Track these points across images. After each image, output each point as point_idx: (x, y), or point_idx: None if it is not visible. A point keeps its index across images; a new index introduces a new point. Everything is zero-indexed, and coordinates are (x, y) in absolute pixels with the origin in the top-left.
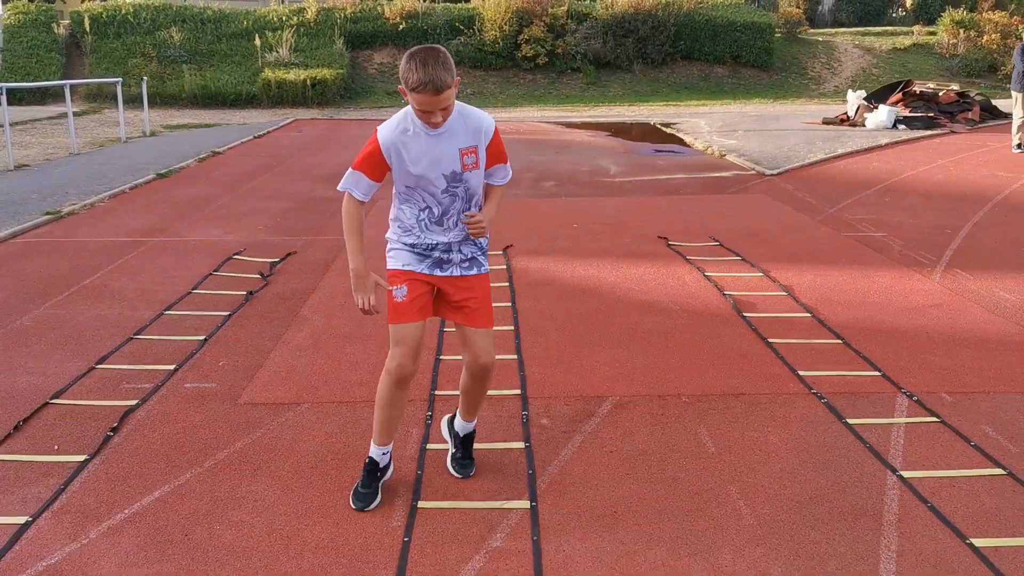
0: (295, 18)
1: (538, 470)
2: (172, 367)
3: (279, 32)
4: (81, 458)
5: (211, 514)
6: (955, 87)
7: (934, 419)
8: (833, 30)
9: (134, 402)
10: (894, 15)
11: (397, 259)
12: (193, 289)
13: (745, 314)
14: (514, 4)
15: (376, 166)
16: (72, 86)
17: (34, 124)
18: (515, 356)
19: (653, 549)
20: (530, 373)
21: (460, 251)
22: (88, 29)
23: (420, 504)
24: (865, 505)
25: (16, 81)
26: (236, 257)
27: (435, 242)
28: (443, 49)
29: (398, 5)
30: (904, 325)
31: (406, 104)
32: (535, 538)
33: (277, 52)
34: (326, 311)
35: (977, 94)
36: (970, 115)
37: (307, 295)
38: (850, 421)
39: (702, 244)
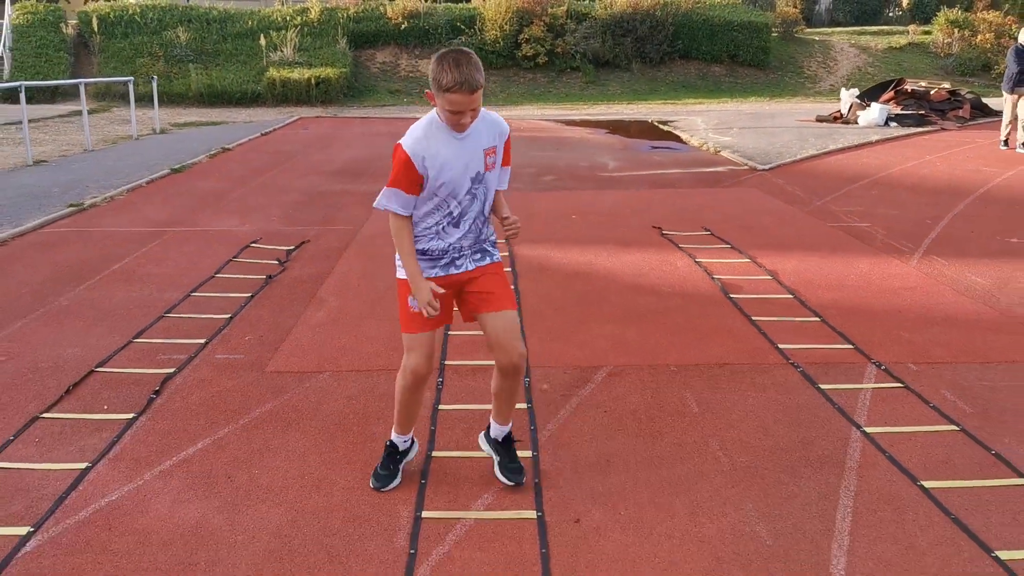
0: (299, 18)
1: (539, 426)
2: (203, 341)
3: (283, 32)
4: (130, 415)
5: (249, 461)
6: (946, 85)
7: (899, 385)
8: (830, 29)
9: (171, 370)
10: (891, 14)
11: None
12: (216, 273)
13: (731, 295)
14: (514, 4)
15: (411, 179)
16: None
17: (46, 122)
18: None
19: (640, 490)
20: (531, 346)
21: (472, 248)
22: (96, 29)
23: (434, 454)
24: (830, 455)
25: (25, 79)
26: (253, 245)
27: (447, 246)
28: (472, 51)
29: (400, 5)
30: (879, 305)
31: (411, 108)
32: (536, 480)
33: (281, 51)
34: (341, 293)
35: (968, 92)
36: (960, 113)
37: (323, 279)
38: (822, 386)
39: (694, 233)
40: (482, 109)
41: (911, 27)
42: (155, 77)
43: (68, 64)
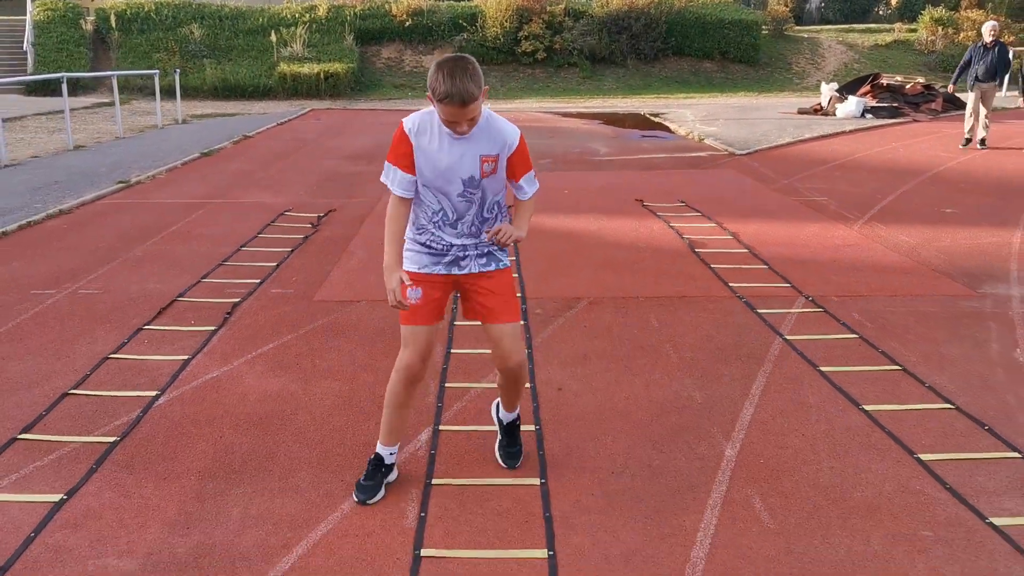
0: (307, 15)
1: (533, 335)
2: (258, 280)
3: (293, 28)
4: (212, 327)
5: (311, 354)
6: (921, 80)
7: (820, 310)
8: (819, 27)
9: (237, 299)
10: (880, 13)
11: (414, 261)
12: (259, 234)
13: (696, 250)
14: (514, 2)
15: (403, 153)
16: (101, 78)
17: (73, 113)
18: (517, 274)
19: (609, 373)
20: (527, 284)
21: (476, 248)
22: (114, 25)
23: (453, 351)
24: (755, 352)
25: (48, 73)
26: (287, 213)
27: (450, 243)
28: (472, 60)
29: (404, 3)
30: (819, 257)
31: (415, 102)
32: (531, 367)
33: (291, 47)
34: (369, 247)
35: (942, 87)
36: (933, 106)
37: (351, 238)
38: (759, 310)
39: (671, 205)
40: (496, 116)
41: (897, 25)
42: (178, 70)
43: (88, 59)
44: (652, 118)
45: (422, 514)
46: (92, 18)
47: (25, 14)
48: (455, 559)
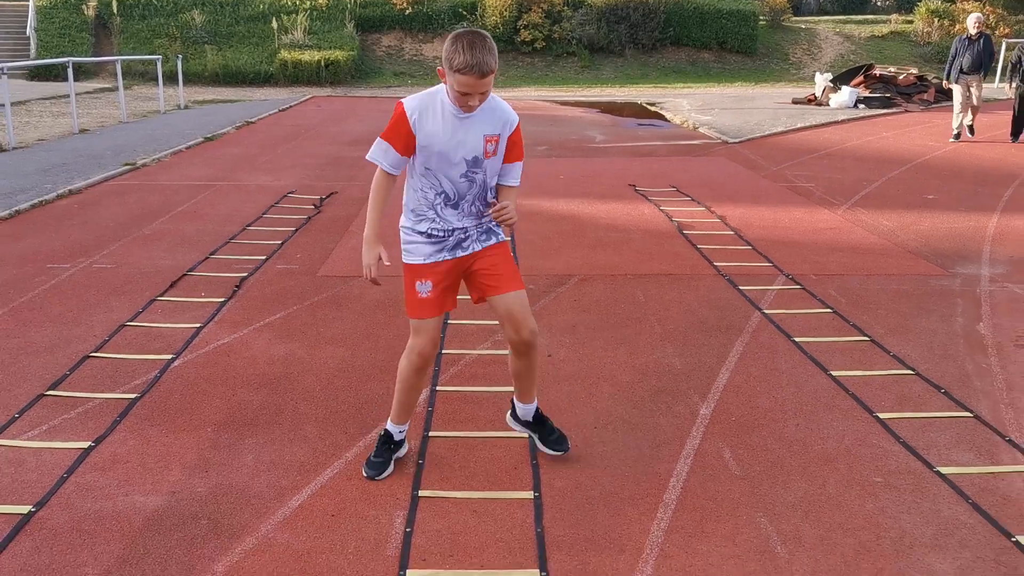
0: (308, 2)
1: None
2: (264, 257)
3: (293, 15)
4: (221, 299)
5: (315, 324)
6: (914, 71)
7: (798, 287)
8: (816, 18)
9: (245, 274)
10: (879, 3)
11: (418, 252)
12: (263, 214)
13: (684, 231)
14: None
15: (403, 136)
16: (103, 63)
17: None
18: (512, 254)
19: (596, 342)
20: (522, 262)
21: (477, 228)
22: (115, 11)
23: (450, 321)
24: (734, 324)
25: (51, 59)
26: (290, 195)
27: (451, 227)
28: (488, 34)
29: None
30: (801, 239)
31: (416, 89)
32: None
33: (292, 34)
34: None
35: (934, 77)
36: (925, 96)
37: (352, 219)
38: (740, 287)
39: (662, 189)
40: (495, 96)
41: (893, 16)
42: (180, 56)
43: (90, 44)
44: (648, 107)
45: (420, 462)
46: (94, 3)
47: None
48: (450, 499)
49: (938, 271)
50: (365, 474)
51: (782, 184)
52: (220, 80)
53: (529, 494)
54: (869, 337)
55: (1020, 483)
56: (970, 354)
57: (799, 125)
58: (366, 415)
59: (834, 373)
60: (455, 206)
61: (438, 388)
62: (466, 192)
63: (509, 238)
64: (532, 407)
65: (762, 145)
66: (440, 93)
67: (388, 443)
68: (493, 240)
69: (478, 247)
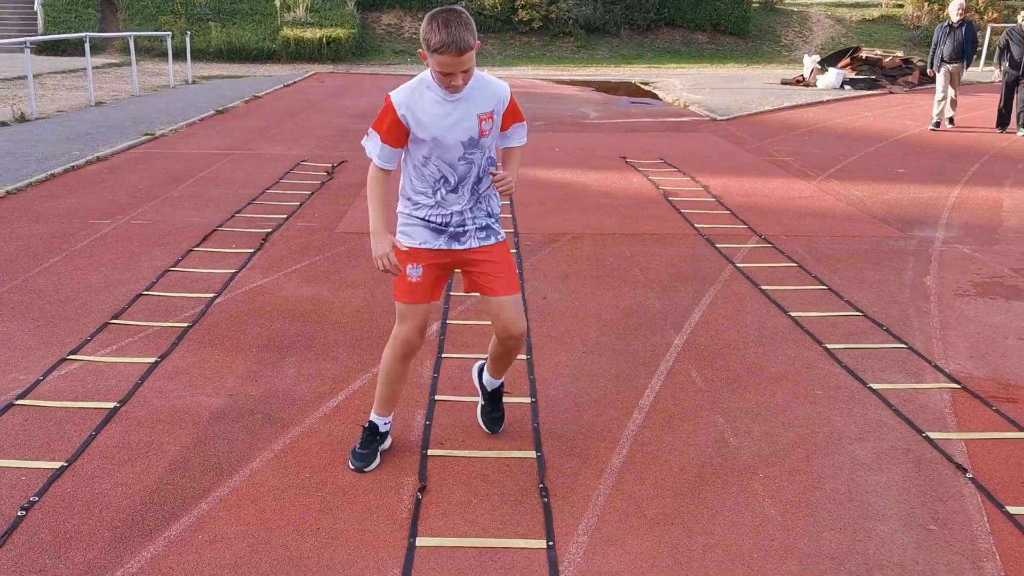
0: None
1: (524, 259)
2: (285, 216)
3: None
4: (250, 250)
5: (338, 271)
6: (900, 54)
7: (768, 245)
8: (809, 1)
9: (269, 230)
10: None
11: (414, 236)
12: (280, 179)
13: (669, 198)
14: None
15: (392, 129)
16: (110, 39)
17: (84, 73)
18: (510, 215)
19: (586, 287)
20: (520, 223)
21: (474, 221)
22: None
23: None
24: (708, 275)
25: (59, 33)
26: (303, 163)
27: (449, 213)
28: (464, 11)
29: None
30: (776, 206)
31: (415, 67)
32: (521, 282)
33: (294, 12)
34: None
35: (919, 60)
36: (910, 78)
37: (362, 185)
38: (717, 244)
39: (651, 161)
40: (482, 73)
41: (884, 0)
42: (188, 32)
43: (96, 20)
44: (642, 86)
45: (435, 375)
46: None
47: None
48: (461, 402)
49: (897, 234)
50: (351, 466)
51: (764, 158)
52: (224, 56)
53: (527, 399)
54: (827, 286)
55: (937, 396)
56: (914, 300)
57: (785, 104)
58: (385, 342)
59: (792, 313)
60: (455, 190)
61: (443, 356)
62: (466, 175)
63: (509, 215)
64: (498, 382)
65: (748, 123)
66: (426, 79)
67: (374, 435)
68: (492, 240)
69: (475, 244)
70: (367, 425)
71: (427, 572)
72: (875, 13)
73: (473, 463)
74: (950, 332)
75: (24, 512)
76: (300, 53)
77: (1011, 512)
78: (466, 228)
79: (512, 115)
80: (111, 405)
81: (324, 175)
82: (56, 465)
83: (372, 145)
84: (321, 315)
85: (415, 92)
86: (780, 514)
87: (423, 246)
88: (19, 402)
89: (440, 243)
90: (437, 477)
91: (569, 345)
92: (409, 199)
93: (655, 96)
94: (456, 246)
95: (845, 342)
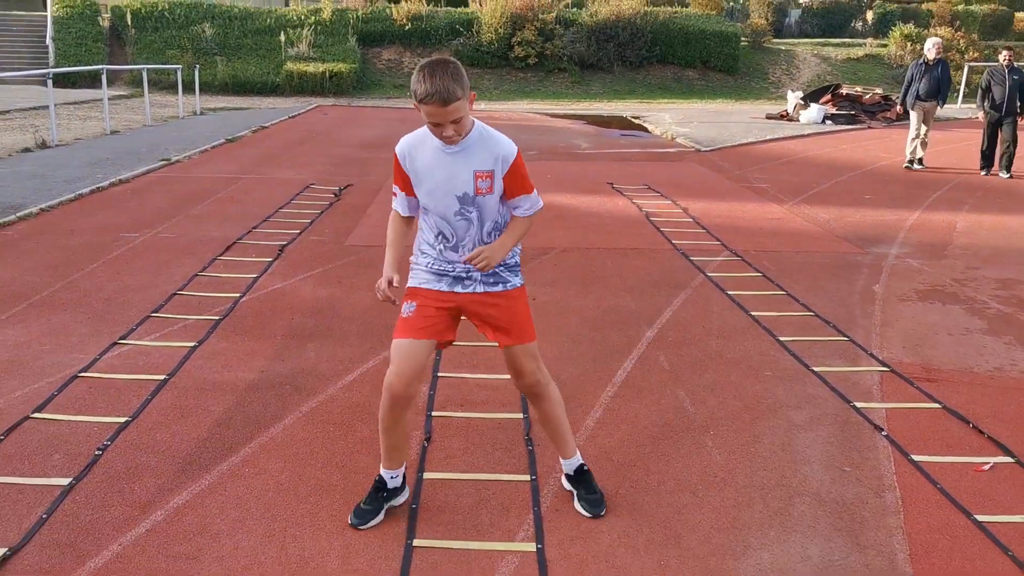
0: (313, 17)
1: None
2: (298, 231)
3: (299, 29)
4: (269, 259)
5: (348, 276)
6: (879, 91)
7: (738, 258)
8: (796, 40)
9: (284, 242)
10: (858, 27)
11: (415, 277)
12: (291, 200)
13: (651, 218)
14: (509, 9)
15: (401, 176)
16: (120, 72)
17: (95, 104)
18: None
19: (571, 291)
20: None
21: (479, 271)
22: (129, 23)
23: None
24: (682, 283)
25: (68, 66)
26: (312, 186)
27: (452, 262)
28: (454, 61)
29: (405, 7)
30: (750, 226)
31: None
32: None
33: (298, 47)
34: (382, 210)
35: (897, 97)
36: (888, 114)
37: (367, 205)
38: (691, 257)
39: (636, 187)
40: (490, 130)
41: (868, 40)
42: (197, 66)
43: (105, 54)
44: (633, 120)
45: (437, 356)
46: (107, 15)
47: (44, 10)
48: (463, 379)
49: (856, 250)
50: (350, 521)
51: (742, 184)
52: (229, 89)
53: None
54: (786, 291)
55: (869, 377)
56: (861, 304)
57: (767, 137)
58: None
59: (753, 313)
60: (454, 249)
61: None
62: (464, 233)
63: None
64: (571, 462)
65: (730, 153)
66: (428, 130)
67: (380, 490)
68: (500, 287)
69: (481, 289)
70: (376, 479)
71: (433, 497)
72: (859, 52)
73: (471, 422)
74: (888, 329)
75: (100, 452)
76: (303, 86)
77: (915, 459)
78: (471, 274)
79: (515, 184)
80: (161, 377)
81: (332, 196)
82: (122, 420)
83: (395, 196)
84: (335, 311)
85: (418, 141)
86: (724, 459)
87: (421, 285)
88: (82, 374)
89: (442, 286)
90: (440, 431)
91: (554, 336)
92: (418, 248)
93: (644, 129)
94: (459, 289)
95: (796, 335)
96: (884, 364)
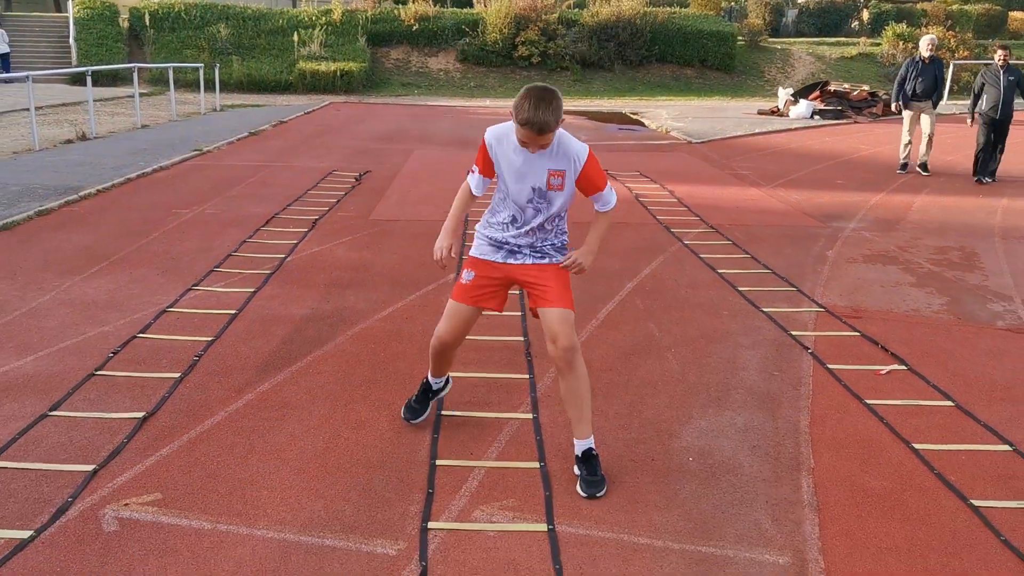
0: (324, 18)
1: None
2: (326, 208)
3: (311, 30)
4: (304, 229)
5: (375, 242)
6: (866, 88)
7: (712, 230)
8: (792, 39)
9: (316, 216)
10: (853, 27)
11: (476, 248)
12: (316, 184)
13: (640, 199)
14: (513, 10)
15: (484, 161)
16: (141, 70)
17: (119, 100)
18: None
19: None
20: None
21: (532, 247)
22: (148, 24)
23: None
24: (661, 248)
25: (91, 65)
26: (334, 172)
27: (504, 239)
28: (557, 94)
29: (412, 8)
30: (728, 206)
31: (421, 98)
32: None
33: (310, 47)
34: (402, 192)
35: (885, 93)
36: (874, 110)
37: (386, 188)
38: (672, 229)
39: (629, 173)
40: (567, 136)
41: (862, 39)
42: (217, 64)
43: (124, 54)
44: (631, 116)
45: None
46: (125, 16)
47: (60, 12)
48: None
49: (818, 224)
50: (403, 416)
51: (726, 172)
52: (245, 87)
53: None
54: (750, 254)
55: (806, 315)
56: (813, 265)
57: (756, 131)
58: (419, 282)
59: (719, 271)
60: (520, 227)
61: None
62: (531, 219)
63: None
64: (586, 443)
65: (720, 145)
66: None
67: (427, 391)
68: (547, 261)
69: (530, 261)
70: (424, 381)
71: (452, 435)
72: (853, 51)
73: (477, 343)
74: (832, 282)
75: (197, 358)
76: (315, 85)
77: (829, 367)
78: (521, 251)
79: (588, 183)
80: (232, 311)
81: (353, 181)
82: (208, 338)
83: (472, 174)
84: (367, 268)
85: (503, 134)
86: (680, 367)
87: (481, 256)
88: (169, 309)
89: (497, 257)
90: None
91: None
92: (488, 219)
93: (641, 123)
94: (511, 261)
95: (752, 286)
96: (820, 305)
